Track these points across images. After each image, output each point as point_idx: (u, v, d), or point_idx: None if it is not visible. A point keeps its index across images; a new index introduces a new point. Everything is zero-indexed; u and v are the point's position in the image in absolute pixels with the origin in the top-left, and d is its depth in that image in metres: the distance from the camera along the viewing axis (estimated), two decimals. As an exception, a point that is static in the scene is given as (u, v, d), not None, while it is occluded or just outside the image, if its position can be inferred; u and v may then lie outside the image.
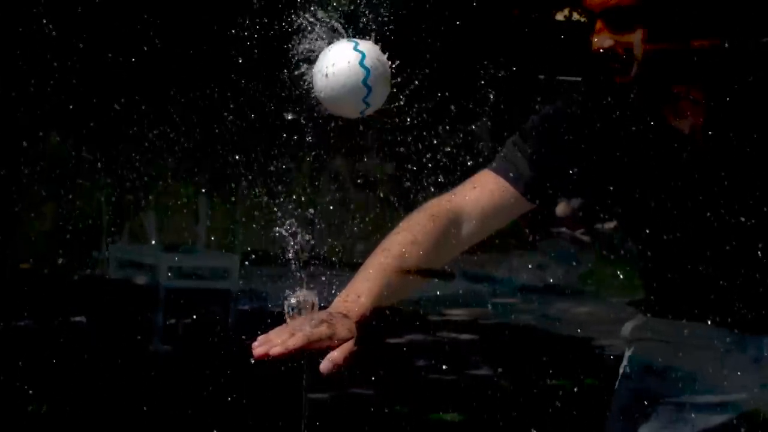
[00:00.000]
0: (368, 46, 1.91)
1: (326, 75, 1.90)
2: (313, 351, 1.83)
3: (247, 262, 6.76)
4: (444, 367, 5.95)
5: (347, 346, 1.86)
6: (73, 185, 7.62)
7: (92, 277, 7.40)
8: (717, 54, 2.04)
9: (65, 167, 7.50)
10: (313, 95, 1.92)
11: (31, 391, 4.97)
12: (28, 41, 5.81)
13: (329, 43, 1.92)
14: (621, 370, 2.26)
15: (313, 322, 1.85)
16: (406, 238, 2.03)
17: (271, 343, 1.81)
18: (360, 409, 5.17)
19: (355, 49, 1.90)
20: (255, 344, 1.82)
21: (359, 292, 1.94)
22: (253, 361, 1.82)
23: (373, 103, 1.92)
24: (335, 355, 1.85)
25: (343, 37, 1.92)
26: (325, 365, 1.85)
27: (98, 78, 6.05)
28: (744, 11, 2.08)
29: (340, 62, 1.89)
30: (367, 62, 1.90)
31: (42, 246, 7.71)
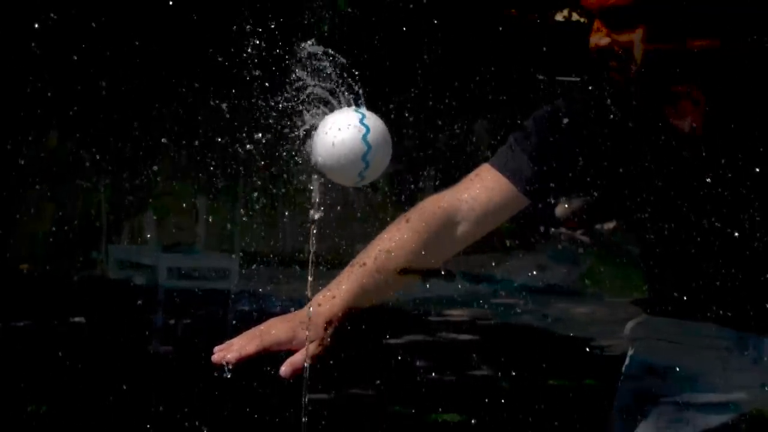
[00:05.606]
0: (373, 121, 1.91)
1: (332, 144, 1.89)
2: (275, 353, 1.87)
3: (246, 263, 6.75)
4: (444, 367, 5.94)
5: (312, 349, 1.88)
6: (73, 185, 7.61)
7: (92, 278, 7.40)
8: (717, 54, 2.04)
9: (65, 167, 7.49)
10: (311, 157, 1.92)
11: (31, 391, 4.97)
12: (28, 41, 5.81)
13: (333, 109, 1.92)
14: (623, 370, 2.26)
15: (273, 327, 1.89)
16: (392, 238, 2.04)
17: (230, 349, 1.84)
18: (360, 409, 5.17)
19: (361, 122, 1.90)
20: (216, 348, 1.86)
21: (334, 293, 1.96)
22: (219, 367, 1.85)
23: (369, 176, 1.92)
24: (296, 359, 1.87)
25: (347, 105, 1.91)
26: (284, 368, 1.87)
27: (98, 78, 6.04)
28: (743, 11, 2.08)
29: (344, 133, 1.89)
30: (370, 138, 1.90)
31: (42, 246, 7.70)
